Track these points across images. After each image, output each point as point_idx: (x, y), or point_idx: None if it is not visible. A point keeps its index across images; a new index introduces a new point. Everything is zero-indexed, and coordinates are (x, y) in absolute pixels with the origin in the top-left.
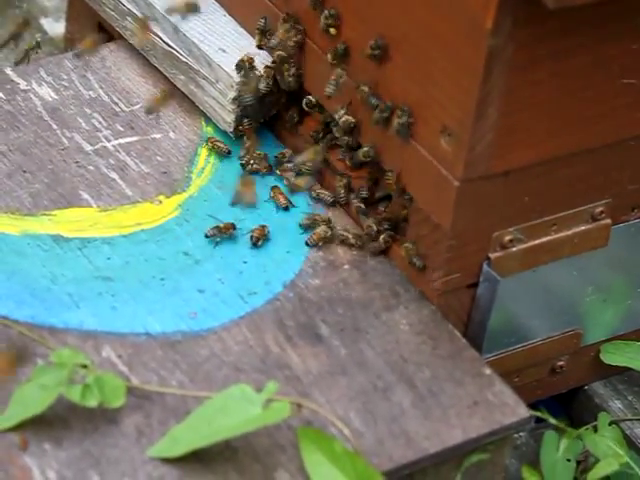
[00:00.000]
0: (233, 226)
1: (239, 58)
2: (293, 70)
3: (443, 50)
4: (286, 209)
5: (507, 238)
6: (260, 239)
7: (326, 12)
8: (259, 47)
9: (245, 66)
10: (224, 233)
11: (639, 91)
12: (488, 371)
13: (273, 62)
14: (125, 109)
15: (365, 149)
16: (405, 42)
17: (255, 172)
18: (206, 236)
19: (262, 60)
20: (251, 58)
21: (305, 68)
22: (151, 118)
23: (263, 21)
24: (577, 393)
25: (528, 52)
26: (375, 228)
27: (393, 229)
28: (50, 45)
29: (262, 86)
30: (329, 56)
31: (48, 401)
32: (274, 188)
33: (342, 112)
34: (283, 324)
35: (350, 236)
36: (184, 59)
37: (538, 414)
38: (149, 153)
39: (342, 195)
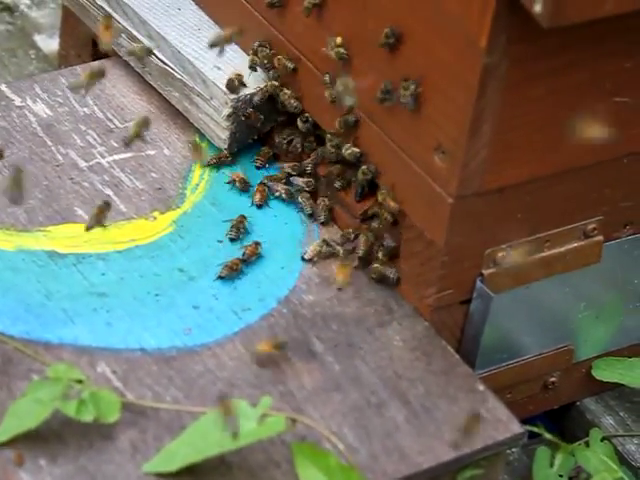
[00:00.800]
0: (244, 217)
1: (228, 77)
2: (290, 93)
3: (438, 67)
4: (259, 207)
5: (500, 254)
6: (251, 257)
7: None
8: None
9: (234, 84)
10: (241, 228)
11: (632, 109)
12: (481, 387)
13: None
14: (120, 126)
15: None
16: (399, 60)
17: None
18: (232, 240)
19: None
20: (239, 75)
21: (302, 89)
22: (145, 135)
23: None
24: (569, 409)
25: (522, 69)
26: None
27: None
28: (44, 62)
29: (257, 99)
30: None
31: (43, 415)
32: (259, 185)
33: (348, 145)
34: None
35: (340, 250)
36: (179, 76)
37: (533, 429)
38: (143, 169)
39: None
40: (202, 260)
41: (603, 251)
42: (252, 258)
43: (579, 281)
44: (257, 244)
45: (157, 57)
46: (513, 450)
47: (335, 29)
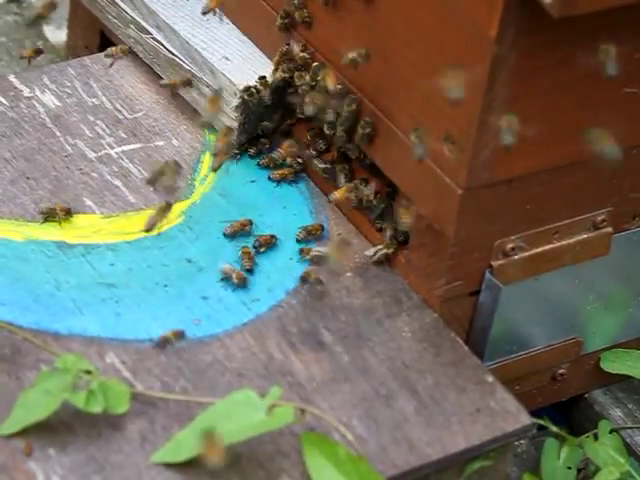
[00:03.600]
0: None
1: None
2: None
3: (447, 58)
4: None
5: (509, 246)
6: (264, 246)
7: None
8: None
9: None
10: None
11: None
12: (490, 378)
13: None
14: (128, 116)
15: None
16: (409, 51)
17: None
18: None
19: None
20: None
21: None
22: (154, 125)
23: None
24: (577, 401)
25: (532, 60)
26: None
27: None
28: (52, 53)
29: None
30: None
31: (52, 407)
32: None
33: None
34: (286, 331)
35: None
36: (187, 67)
37: (540, 422)
38: (152, 160)
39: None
40: (211, 251)
41: (612, 243)
42: (263, 247)
43: (588, 273)
44: (272, 237)
45: (165, 47)
46: (521, 442)
47: (347, 23)
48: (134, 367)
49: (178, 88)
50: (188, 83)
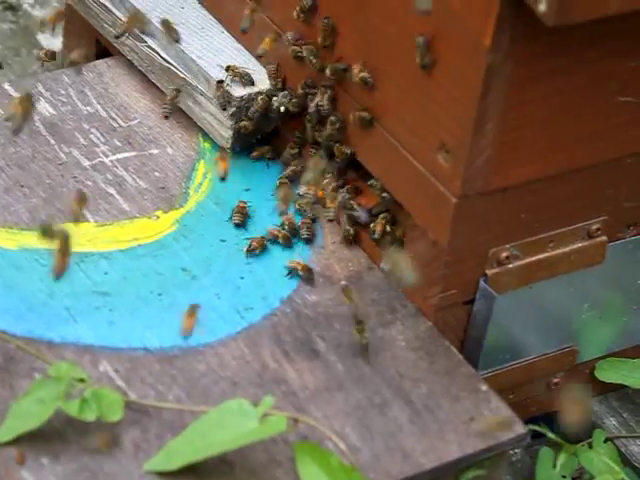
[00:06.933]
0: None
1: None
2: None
3: (442, 66)
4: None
5: (504, 255)
6: (258, 249)
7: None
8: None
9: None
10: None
11: (636, 109)
12: (484, 387)
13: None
14: (123, 124)
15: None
16: (403, 59)
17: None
18: (237, 225)
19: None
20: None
21: None
22: (149, 134)
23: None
24: None
25: (526, 69)
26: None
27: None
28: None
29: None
30: (327, 71)
31: (45, 415)
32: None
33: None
34: (280, 339)
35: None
36: (182, 75)
37: (537, 428)
38: (147, 168)
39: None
40: (205, 259)
41: (607, 252)
42: (257, 250)
43: (583, 282)
44: (263, 238)
45: (160, 56)
46: (516, 451)
47: (339, 28)
48: (127, 376)
49: None
50: None
